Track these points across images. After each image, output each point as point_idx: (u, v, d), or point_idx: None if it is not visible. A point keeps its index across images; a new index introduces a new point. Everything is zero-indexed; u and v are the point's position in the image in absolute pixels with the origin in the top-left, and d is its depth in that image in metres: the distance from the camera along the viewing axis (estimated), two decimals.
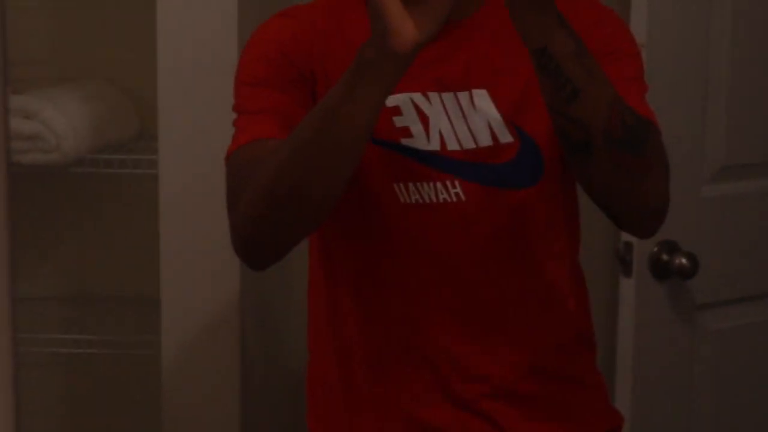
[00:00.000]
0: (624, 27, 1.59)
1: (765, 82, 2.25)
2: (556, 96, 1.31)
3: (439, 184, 1.49)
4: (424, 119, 1.49)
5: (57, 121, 2.27)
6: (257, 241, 1.41)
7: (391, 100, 1.47)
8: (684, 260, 2.16)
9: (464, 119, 1.50)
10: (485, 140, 1.50)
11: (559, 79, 1.29)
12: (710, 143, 2.21)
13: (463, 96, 1.50)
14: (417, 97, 1.49)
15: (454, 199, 1.50)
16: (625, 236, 2.17)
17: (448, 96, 1.50)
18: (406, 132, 1.49)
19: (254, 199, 1.36)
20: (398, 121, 1.49)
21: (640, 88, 1.52)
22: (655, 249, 2.18)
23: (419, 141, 1.49)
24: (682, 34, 2.15)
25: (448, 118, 1.50)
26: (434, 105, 1.50)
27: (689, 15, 2.15)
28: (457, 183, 1.49)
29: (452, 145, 1.49)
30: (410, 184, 1.49)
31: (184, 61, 2.12)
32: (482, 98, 1.50)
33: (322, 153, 1.31)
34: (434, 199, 1.49)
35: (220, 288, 2.17)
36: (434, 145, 1.49)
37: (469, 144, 1.50)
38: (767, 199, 2.30)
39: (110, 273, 2.60)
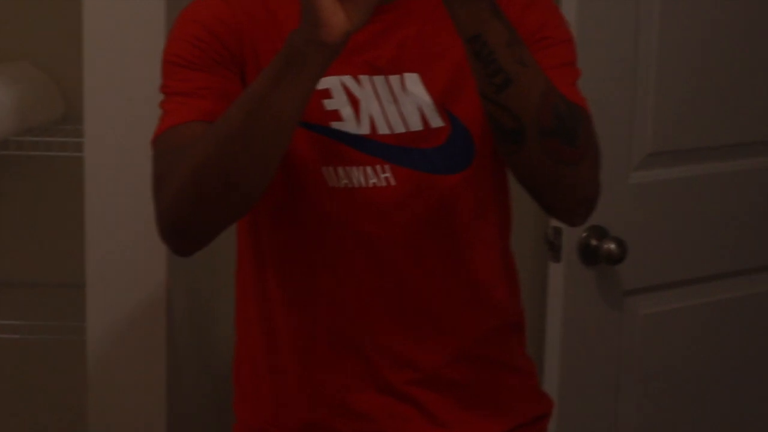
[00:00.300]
0: (556, 12, 1.58)
1: (692, 69, 2.27)
2: (489, 84, 1.30)
3: (368, 168, 1.48)
4: (355, 102, 1.48)
5: None
6: (184, 227, 1.39)
7: (322, 83, 1.45)
8: (612, 246, 2.17)
9: (395, 103, 1.49)
10: (416, 124, 1.49)
11: (492, 66, 1.29)
12: (638, 130, 2.22)
13: (394, 79, 1.49)
14: (347, 80, 1.48)
15: (384, 183, 1.48)
16: (554, 221, 2.18)
17: (379, 79, 1.49)
18: (336, 115, 1.48)
19: (181, 186, 1.34)
20: (328, 104, 1.48)
21: (572, 74, 1.52)
22: (584, 234, 2.19)
23: (349, 124, 1.48)
24: (612, 20, 2.15)
25: (379, 101, 1.49)
26: (365, 88, 1.48)
27: (619, 1, 2.15)
28: (386, 167, 1.48)
29: (382, 129, 1.48)
30: (339, 168, 1.48)
31: (110, 42, 2.09)
32: (414, 82, 1.49)
33: (250, 140, 1.29)
34: (363, 183, 1.48)
35: (146, 273, 2.15)
36: (364, 129, 1.48)
37: (400, 128, 1.49)
38: (694, 185, 2.32)
39: (36, 257, 2.56)
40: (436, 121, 1.49)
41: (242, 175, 1.32)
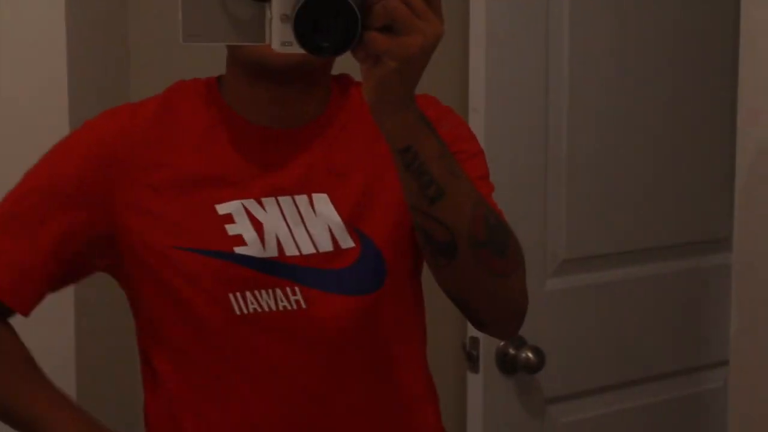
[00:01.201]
0: (465, 126, 1.58)
1: (601, 178, 2.29)
2: (421, 196, 1.28)
3: (278, 291, 1.44)
4: (258, 226, 1.45)
5: None
6: None
7: (223, 208, 1.43)
8: (530, 354, 2.16)
9: (303, 224, 1.46)
10: (325, 245, 1.46)
11: (424, 178, 1.26)
12: (551, 239, 2.23)
13: (301, 200, 1.46)
14: (250, 203, 1.45)
15: (295, 306, 1.44)
16: (472, 331, 2.16)
17: (285, 200, 1.46)
18: (239, 240, 1.44)
19: None
20: (231, 230, 1.44)
21: (487, 187, 1.51)
22: (502, 344, 2.17)
23: (254, 248, 1.44)
24: (521, 129, 2.17)
25: (286, 222, 1.46)
26: (269, 211, 1.45)
27: (527, 115, 2.17)
28: (297, 289, 1.44)
29: (291, 251, 1.45)
30: (247, 293, 1.43)
31: (15, 158, 2.04)
32: (322, 202, 1.47)
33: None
34: (273, 308, 1.44)
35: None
36: (271, 252, 1.44)
37: (309, 249, 1.45)
38: (609, 290, 2.33)
39: None
40: (347, 242, 1.46)
41: None
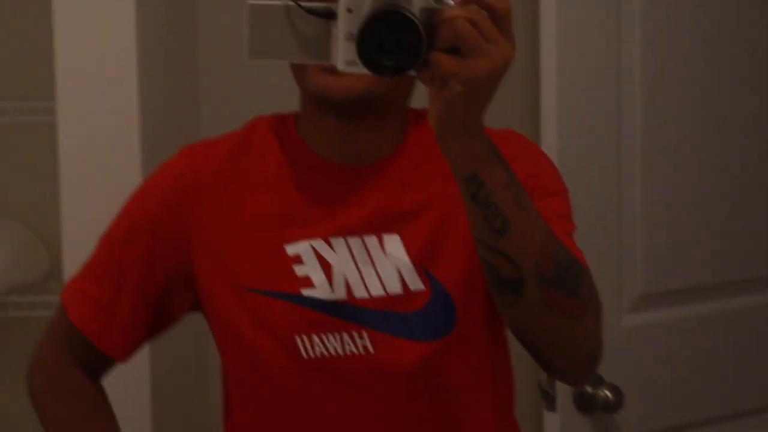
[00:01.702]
0: (548, 164, 1.53)
1: (677, 210, 2.24)
2: (486, 228, 1.23)
3: (345, 335, 1.42)
4: (327, 267, 1.43)
5: None
6: None
7: (292, 249, 1.42)
8: (608, 393, 2.12)
9: (372, 265, 1.44)
10: (395, 287, 1.43)
11: (490, 209, 1.22)
12: (628, 273, 2.18)
13: (370, 240, 1.44)
14: (319, 244, 1.44)
15: (362, 351, 1.41)
16: None
17: (354, 240, 1.44)
18: (308, 282, 1.43)
19: (34, 405, 1.56)
20: (299, 271, 1.43)
21: (567, 227, 1.44)
22: None
23: (322, 290, 1.42)
24: (594, 166, 2.13)
25: (355, 263, 1.43)
26: (339, 251, 1.44)
27: (599, 147, 2.14)
28: (365, 333, 1.42)
29: (360, 293, 1.43)
30: (314, 336, 1.41)
31: (88, 198, 2.07)
32: (393, 243, 1.44)
33: None
34: (340, 352, 1.41)
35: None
36: (339, 294, 1.42)
37: (378, 291, 1.43)
38: (687, 325, 2.27)
39: (22, 418, 2.50)
40: (416, 284, 1.43)
41: None
